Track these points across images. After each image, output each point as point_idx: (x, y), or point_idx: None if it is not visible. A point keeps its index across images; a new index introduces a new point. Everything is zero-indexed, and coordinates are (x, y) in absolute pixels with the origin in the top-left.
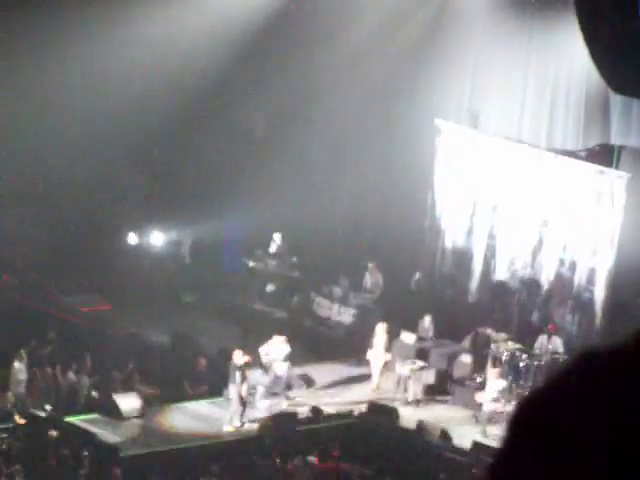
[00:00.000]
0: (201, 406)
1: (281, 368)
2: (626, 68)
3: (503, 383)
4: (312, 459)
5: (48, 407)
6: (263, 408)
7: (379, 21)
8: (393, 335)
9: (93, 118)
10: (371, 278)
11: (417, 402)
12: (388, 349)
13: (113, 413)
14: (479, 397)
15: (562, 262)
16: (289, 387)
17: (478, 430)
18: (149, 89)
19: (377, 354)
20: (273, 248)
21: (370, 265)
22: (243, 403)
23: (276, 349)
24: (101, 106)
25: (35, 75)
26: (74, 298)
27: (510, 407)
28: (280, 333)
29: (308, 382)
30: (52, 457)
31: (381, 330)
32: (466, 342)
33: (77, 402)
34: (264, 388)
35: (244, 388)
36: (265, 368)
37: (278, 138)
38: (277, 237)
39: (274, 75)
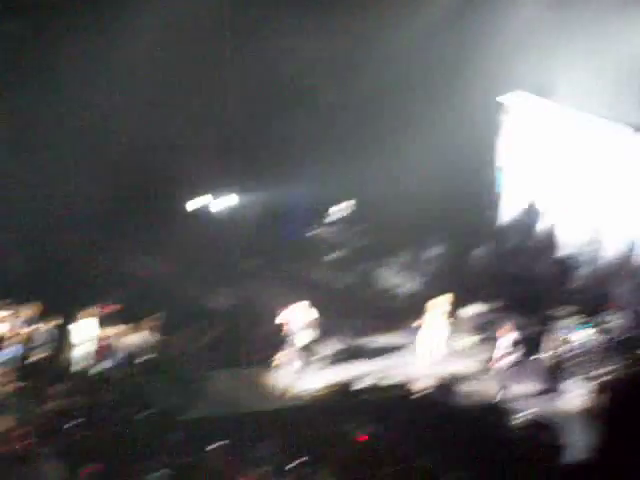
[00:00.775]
0: (256, 373)
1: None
2: None
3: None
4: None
5: (108, 366)
6: (314, 377)
7: None
8: (455, 308)
9: (160, 80)
10: (433, 250)
11: (476, 376)
12: (447, 322)
13: (175, 375)
14: None
15: (626, 240)
16: (342, 357)
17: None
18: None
19: (435, 326)
20: (339, 216)
21: (433, 238)
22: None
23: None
24: (167, 69)
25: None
26: (140, 260)
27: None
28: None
29: (368, 353)
30: (110, 417)
31: (443, 302)
32: (528, 317)
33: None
34: (315, 356)
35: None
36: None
37: (346, 107)
38: (343, 206)
39: (340, 43)
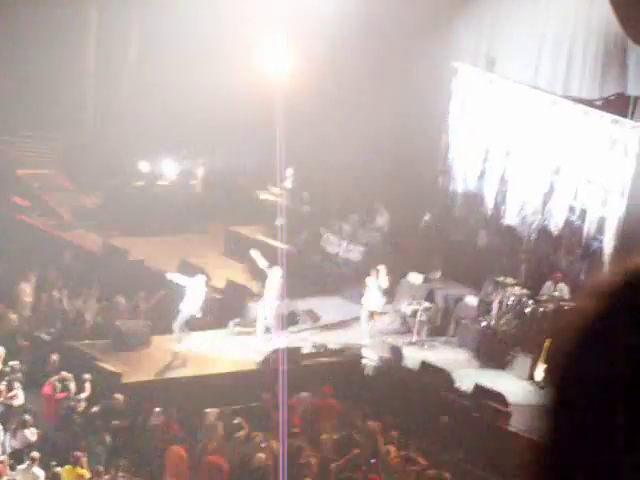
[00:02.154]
0: (205, 336)
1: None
2: None
3: None
4: (308, 395)
5: (52, 330)
6: (266, 342)
7: None
8: (400, 275)
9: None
10: (379, 217)
11: (421, 343)
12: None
13: (117, 340)
14: None
15: (572, 210)
16: (294, 322)
17: (480, 373)
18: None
19: (372, 295)
20: (284, 182)
21: (378, 204)
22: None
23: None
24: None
25: None
26: (85, 223)
27: None
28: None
29: (313, 317)
30: (53, 380)
31: (382, 271)
32: (473, 285)
33: (82, 327)
34: (266, 322)
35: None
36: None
37: (289, 73)
38: (289, 171)
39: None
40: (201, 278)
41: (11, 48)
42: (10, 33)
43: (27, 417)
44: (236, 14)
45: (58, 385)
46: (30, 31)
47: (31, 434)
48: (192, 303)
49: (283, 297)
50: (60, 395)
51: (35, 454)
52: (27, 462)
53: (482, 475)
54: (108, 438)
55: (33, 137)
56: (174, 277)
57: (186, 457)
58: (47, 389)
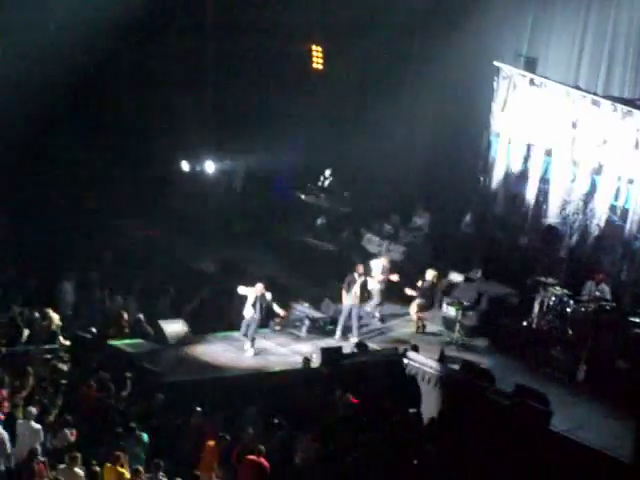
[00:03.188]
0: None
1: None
2: None
3: None
4: (349, 395)
5: (94, 330)
6: (309, 341)
7: None
8: (442, 275)
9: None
10: (419, 217)
11: (462, 342)
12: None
13: (158, 339)
14: None
15: (614, 209)
16: (335, 322)
17: (522, 373)
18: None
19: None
20: (325, 182)
21: (418, 205)
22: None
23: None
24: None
25: None
26: (127, 222)
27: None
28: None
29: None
30: (95, 379)
31: (430, 275)
32: (514, 285)
33: (123, 327)
34: (310, 321)
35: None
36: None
37: (335, 73)
38: (329, 172)
39: (331, 8)
40: (259, 287)
41: None
42: None
43: (67, 417)
44: None
45: (92, 384)
46: None
47: (71, 434)
48: (250, 310)
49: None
50: (98, 394)
51: (76, 453)
52: (67, 461)
53: (521, 474)
54: (147, 437)
55: None
56: (241, 290)
57: (219, 452)
58: (85, 388)
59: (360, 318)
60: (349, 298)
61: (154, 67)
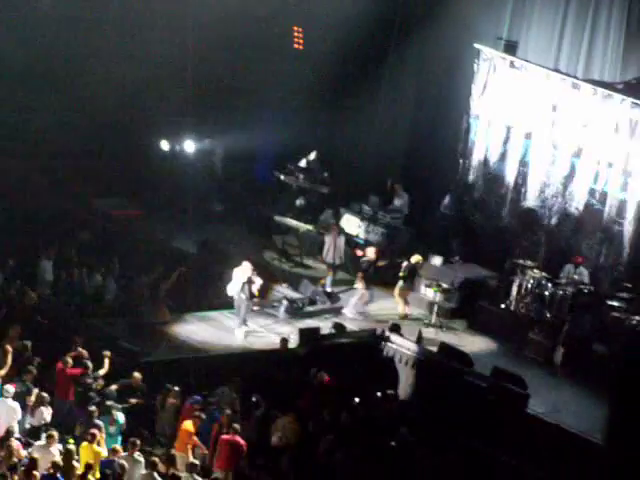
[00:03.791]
0: (225, 316)
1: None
2: None
3: None
4: (323, 375)
5: (71, 308)
6: (286, 322)
7: None
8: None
9: (132, 29)
10: (397, 199)
11: (440, 324)
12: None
13: (137, 318)
14: None
15: (593, 193)
16: (313, 302)
17: (499, 356)
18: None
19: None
20: (304, 163)
21: (396, 186)
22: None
23: None
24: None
25: None
26: (106, 201)
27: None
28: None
29: (333, 298)
30: (70, 356)
31: (413, 258)
32: (492, 268)
33: (102, 305)
34: (288, 302)
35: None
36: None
37: (315, 54)
38: (312, 153)
39: None
40: (246, 265)
41: None
42: None
43: (44, 394)
44: None
45: (68, 360)
46: None
47: (47, 412)
48: (234, 287)
49: None
50: (73, 371)
51: (53, 432)
52: (44, 439)
53: (500, 458)
54: (123, 417)
55: None
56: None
57: (194, 432)
58: (59, 365)
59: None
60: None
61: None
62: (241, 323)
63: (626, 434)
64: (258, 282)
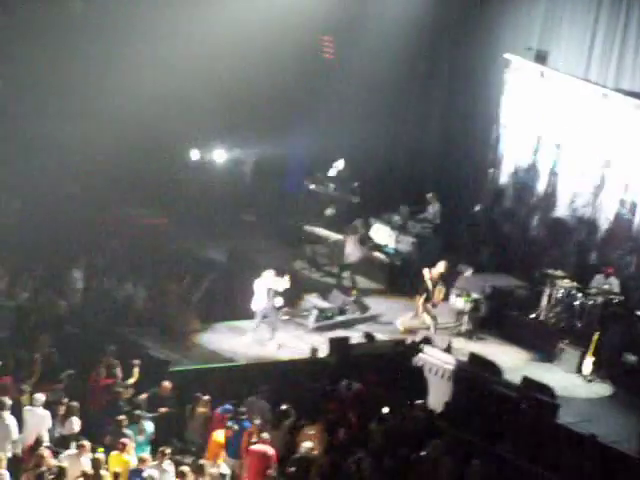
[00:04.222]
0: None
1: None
2: None
3: None
4: (357, 385)
5: (101, 317)
6: (317, 332)
7: None
8: (451, 266)
9: (163, 37)
10: (430, 208)
11: (470, 334)
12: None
13: (166, 327)
14: None
15: (623, 203)
16: (343, 312)
17: (529, 366)
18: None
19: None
20: (334, 172)
21: (429, 195)
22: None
23: None
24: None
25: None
26: (136, 210)
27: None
28: None
29: (362, 308)
30: (103, 366)
31: (440, 266)
32: (522, 277)
33: (132, 314)
34: (317, 312)
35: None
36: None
37: (347, 64)
38: (339, 162)
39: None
40: (268, 274)
41: None
42: None
43: (74, 404)
44: None
45: (103, 371)
46: None
47: (77, 422)
48: (257, 300)
49: None
50: (105, 381)
51: (84, 442)
52: (75, 449)
53: (529, 467)
54: (151, 426)
55: None
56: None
57: (225, 443)
58: (93, 375)
59: None
60: None
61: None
62: (273, 334)
63: None
64: (283, 284)
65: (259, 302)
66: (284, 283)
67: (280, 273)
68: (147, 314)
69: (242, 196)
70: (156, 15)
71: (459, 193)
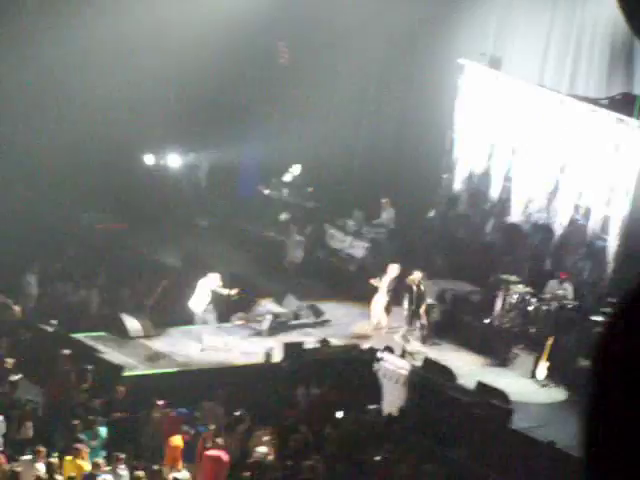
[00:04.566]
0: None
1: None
2: None
3: None
4: (315, 390)
5: (55, 322)
6: (271, 337)
7: None
8: (404, 272)
9: (116, 42)
10: (384, 213)
11: (423, 340)
12: (392, 290)
13: (120, 332)
14: None
15: (577, 209)
16: (297, 317)
17: (483, 371)
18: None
19: (382, 292)
20: (289, 177)
21: (383, 201)
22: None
23: None
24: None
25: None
26: (90, 215)
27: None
28: None
29: (317, 313)
30: (55, 371)
31: (393, 270)
32: (476, 283)
33: (85, 319)
34: (272, 316)
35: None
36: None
37: (300, 68)
38: (295, 167)
39: (299, 5)
40: (214, 277)
41: None
42: None
43: (29, 409)
44: None
45: (58, 376)
46: None
47: (30, 427)
48: (199, 301)
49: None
50: (59, 386)
51: (41, 448)
52: (31, 454)
53: (484, 473)
54: (105, 431)
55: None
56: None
57: (183, 448)
58: (49, 381)
59: None
60: None
61: (121, 60)
62: (205, 336)
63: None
64: (226, 291)
65: (199, 302)
66: (229, 291)
67: (230, 285)
68: (101, 319)
69: (197, 201)
70: (106, 18)
71: (413, 198)
